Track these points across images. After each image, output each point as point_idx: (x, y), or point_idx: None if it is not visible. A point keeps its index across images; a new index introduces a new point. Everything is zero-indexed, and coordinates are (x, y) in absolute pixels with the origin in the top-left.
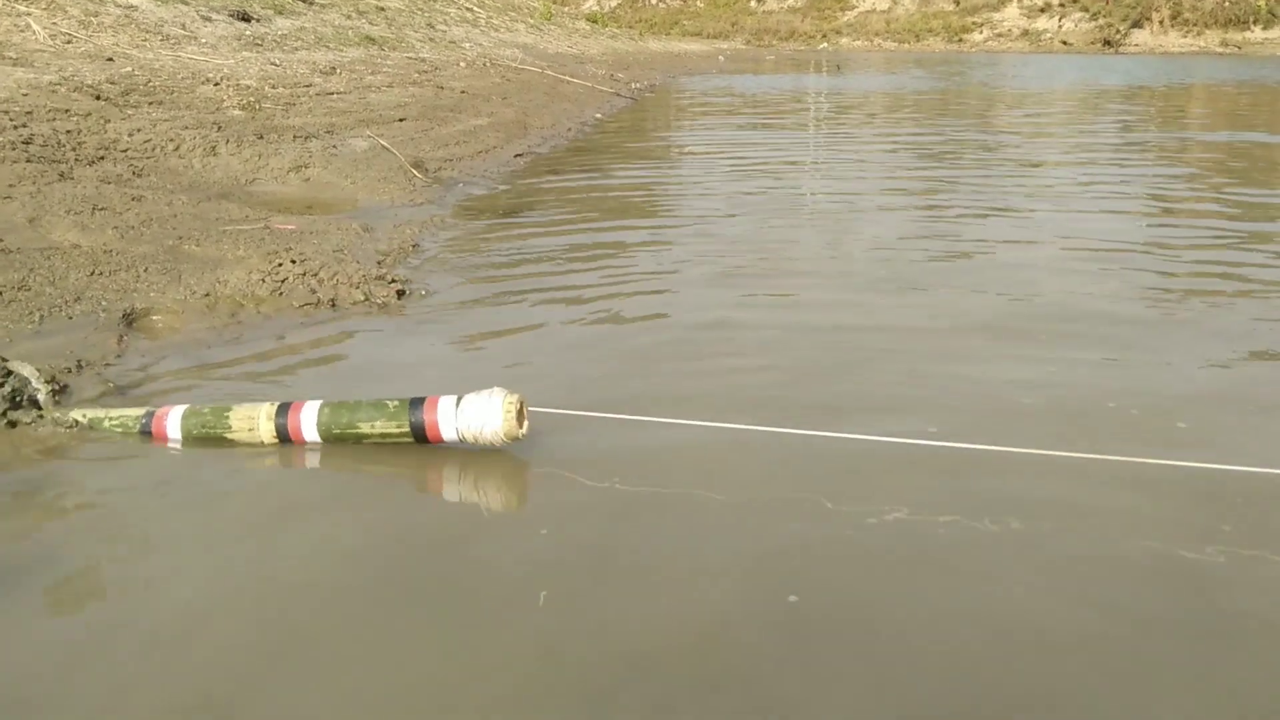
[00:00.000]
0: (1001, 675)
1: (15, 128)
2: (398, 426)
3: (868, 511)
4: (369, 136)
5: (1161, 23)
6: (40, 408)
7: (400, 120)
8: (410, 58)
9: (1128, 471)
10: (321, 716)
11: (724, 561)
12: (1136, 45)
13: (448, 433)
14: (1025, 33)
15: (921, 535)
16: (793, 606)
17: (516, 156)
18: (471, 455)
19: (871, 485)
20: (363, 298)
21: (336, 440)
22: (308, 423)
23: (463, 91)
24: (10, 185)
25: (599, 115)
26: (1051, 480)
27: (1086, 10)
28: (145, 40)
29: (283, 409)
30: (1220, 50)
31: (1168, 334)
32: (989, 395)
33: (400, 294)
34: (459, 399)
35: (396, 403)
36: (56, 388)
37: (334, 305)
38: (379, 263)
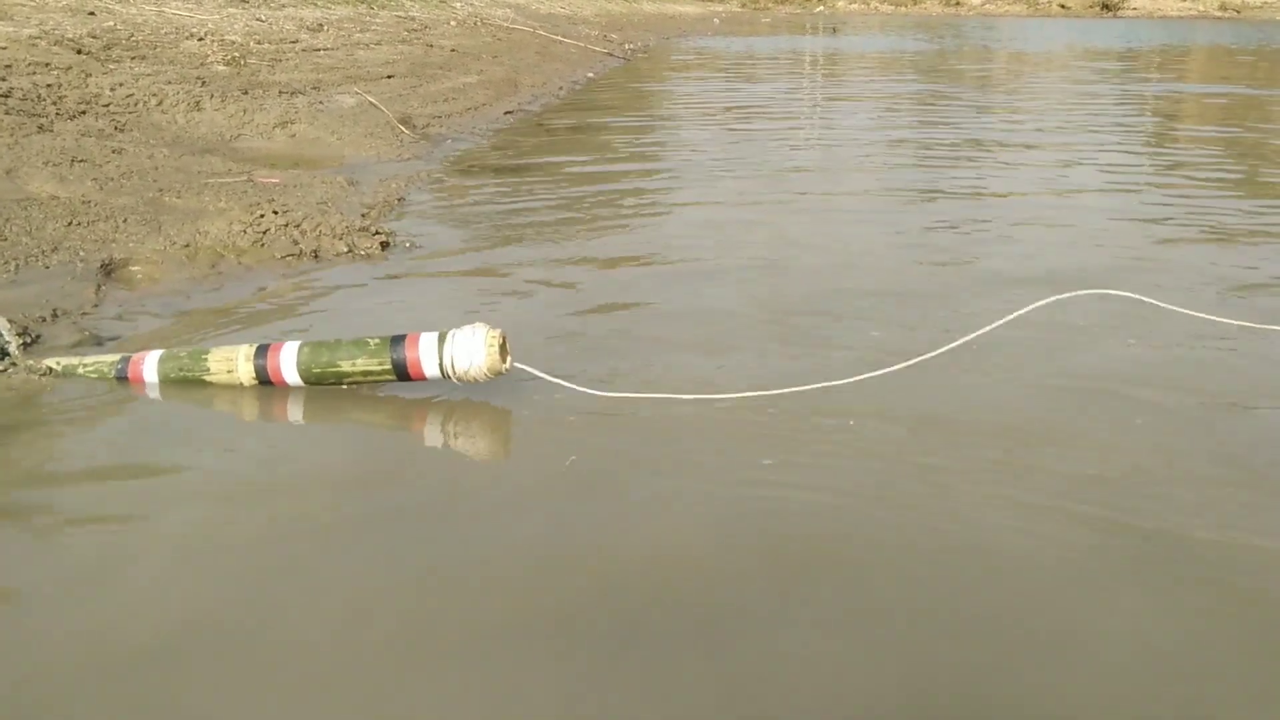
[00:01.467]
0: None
1: None
2: (379, 364)
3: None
4: (356, 93)
5: None
6: (11, 357)
7: (388, 77)
8: (400, 16)
9: None
10: (311, 635)
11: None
12: (1135, 9)
13: (430, 369)
14: None
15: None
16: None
17: (507, 114)
18: (455, 394)
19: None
20: (346, 249)
21: (317, 380)
22: (287, 363)
23: (453, 50)
24: None
25: (591, 75)
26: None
27: None
28: None
29: (261, 350)
30: (1219, 14)
31: None
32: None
33: (384, 245)
34: (441, 334)
35: (378, 340)
36: (29, 339)
37: (316, 256)
38: (363, 215)
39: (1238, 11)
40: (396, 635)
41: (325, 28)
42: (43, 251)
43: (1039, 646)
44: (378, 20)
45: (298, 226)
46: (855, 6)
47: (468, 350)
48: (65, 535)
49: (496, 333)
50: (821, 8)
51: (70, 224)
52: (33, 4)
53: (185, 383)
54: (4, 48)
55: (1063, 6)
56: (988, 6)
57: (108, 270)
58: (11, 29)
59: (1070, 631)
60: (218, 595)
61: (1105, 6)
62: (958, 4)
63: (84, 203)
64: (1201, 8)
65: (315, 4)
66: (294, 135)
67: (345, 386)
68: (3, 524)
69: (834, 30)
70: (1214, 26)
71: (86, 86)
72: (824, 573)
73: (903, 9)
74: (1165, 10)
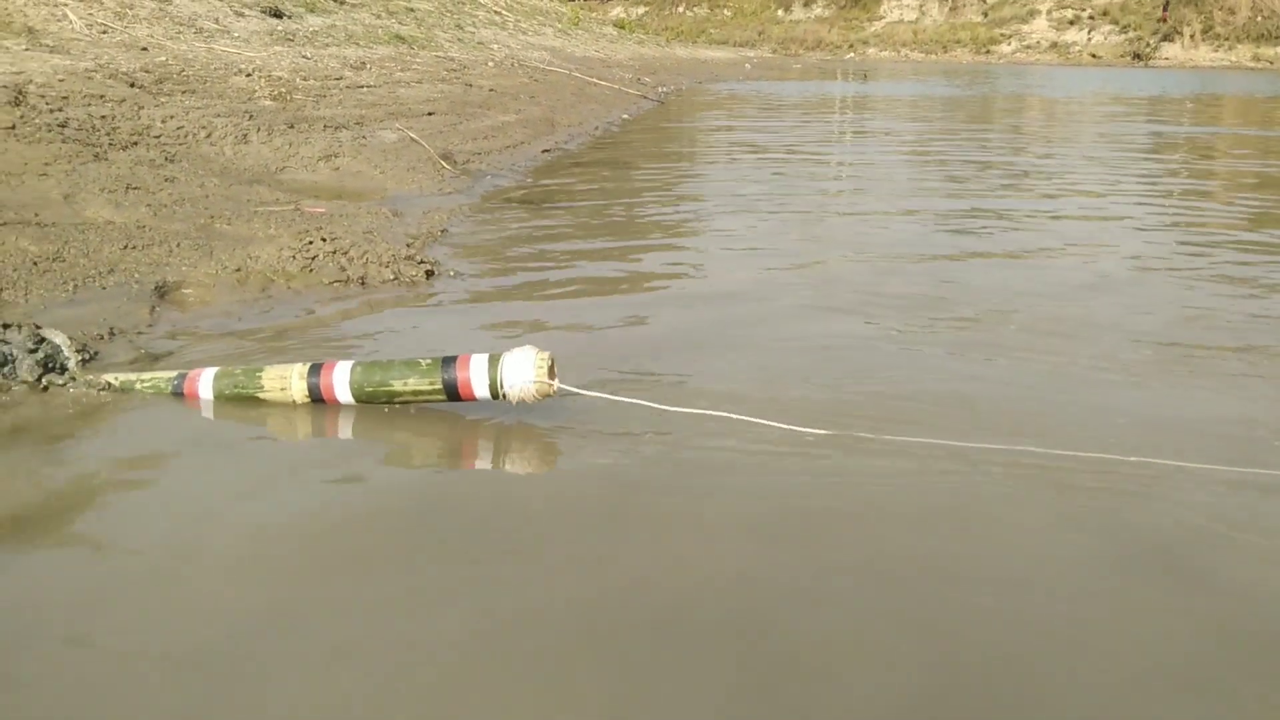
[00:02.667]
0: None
1: (51, 111)
2: (430, 384)
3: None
4: (398, 129)
5: (1192, 36)
6: (70, 372)
7: (429, 114)
8: (439, 56)
9: None
10: (355, 643)
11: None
12: (1166, 59)
13: (480, 389)
14: (1054, 45)
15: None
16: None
17: (544, 152)
18: (503, 415)
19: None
20: (392, 276)
21: (369, 399)
22: (340, 382)
23: (491, 89)
24: (46, 164)
25: (625, 116)
26: None
27: (1116, 23)
28: (179, 33)
29: (315, 369)
30: (1252, 65)
31: None
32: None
33: (429, 274)
34: (492, 356)
35: (429, 361)
36: (87, 355)
37: (363, 283)
38: (408, 244)
39: (1270, 63)
40: (460, 639)
41: (368, 66)
42: (100, 273)
43: None
44: (418, 60)
45: (345, 254)
46: (886, 53)
47: (517, 371)
48: (125, 536)
49: (545, 355)
50: (852, 54)
51: (125, 247)
52: (88, 39)
53: (239, 399)
54: (61, 80)
55: (1093, 55)
56: (1018, 55)
57: (161, 292)
58: (69, 62)
59: None
60: (284, 590)
61: (1136, 56)
62: (988, 52)
63: (138, 227)
64: (1234, 58)
65: (358, 43)
66: (338, 168)
67: (396, 406)
68: (76, 523)
69: (864, 76)
70: (1246, 77)
71: (139, 118)
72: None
73: (933, 56)
74: (1197, 61)
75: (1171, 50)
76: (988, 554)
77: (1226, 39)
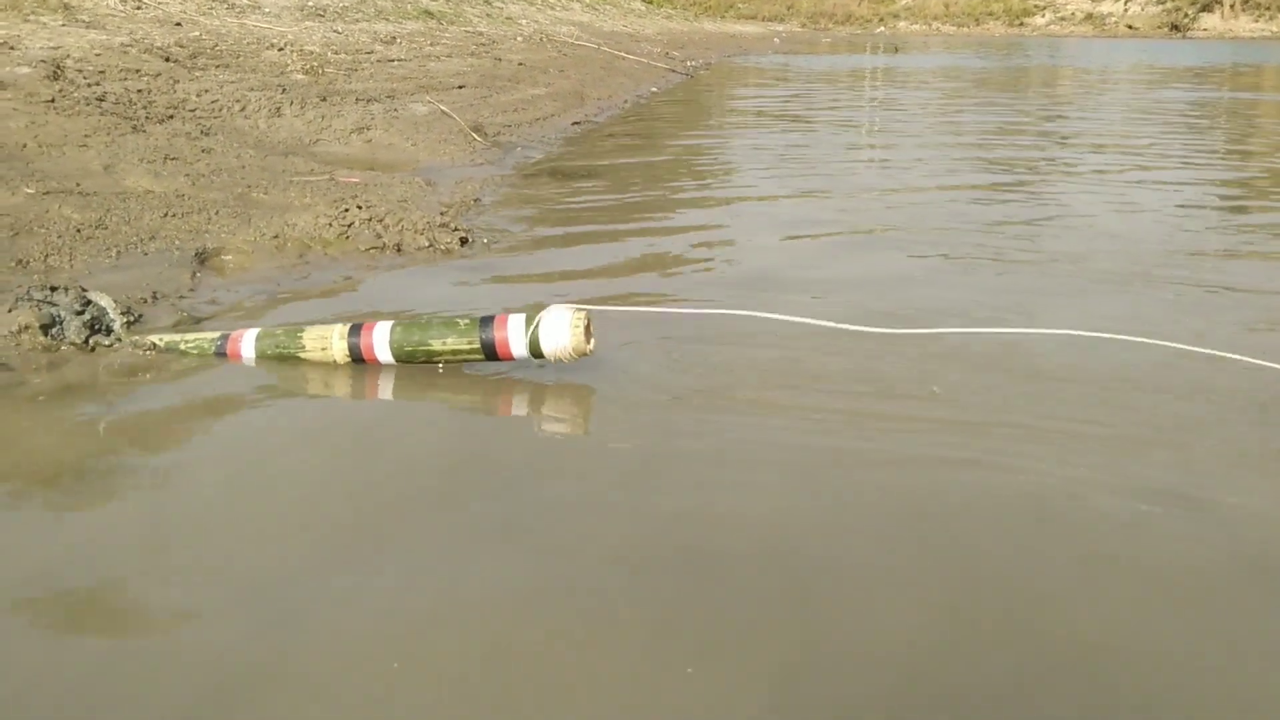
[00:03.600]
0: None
1: (89, 85)
2: (469, 343)
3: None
4: (429, 102)
5: (1232, 6)
6: (116, 333)
7: (459, 88)
8: (468, 31)
9: None
10: (395, 598)
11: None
12: (1205, 30)
13: (518, 349)
14: (1089, 16)
15: None
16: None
17: (574, 124)
18: (541, 374)
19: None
20: (427, 243)
21: (408, 359)
22: (380, 341)
23: (520, 63)
24: (86, 136)
25: (654, 89)
26: None
27: None
28: (211, 8)
29: (355, 329)
30: None
31: None
32: None
33: (464, 241)
34: (529, 316)
35: (467, 320)
36: (132, 318)
37: (399, 250)
38: (442, 213)
39: None
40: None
41: (398, 40)
42: (141, 240)
43: None
44: (447, 35)
45: (380, 221)
46: (916, 27)
47: (555, 331)
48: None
49: (582, 314)
50: (882, 28)
51: (166, 215)
52: (123, 14)
53: (281, 359)
54: (98, 54)
55: (1130, 27)
56: (1052, 27)
57: (202, 258)
58: (105, 37)
59: None
60: (312, 554)
61: (1174, 27)
62: (1021, 24)
63: (178, 196)
64: (1276, 28)
65: (388, 18)
66: (370, 140)
67: (437, 365)
68: (128, 476)
69: (895, 49)
70: None
71: (174, 92)
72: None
73: (965, 29)
74: (1237, 31)
75: (1210, 21)
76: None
77: (1267, 8)
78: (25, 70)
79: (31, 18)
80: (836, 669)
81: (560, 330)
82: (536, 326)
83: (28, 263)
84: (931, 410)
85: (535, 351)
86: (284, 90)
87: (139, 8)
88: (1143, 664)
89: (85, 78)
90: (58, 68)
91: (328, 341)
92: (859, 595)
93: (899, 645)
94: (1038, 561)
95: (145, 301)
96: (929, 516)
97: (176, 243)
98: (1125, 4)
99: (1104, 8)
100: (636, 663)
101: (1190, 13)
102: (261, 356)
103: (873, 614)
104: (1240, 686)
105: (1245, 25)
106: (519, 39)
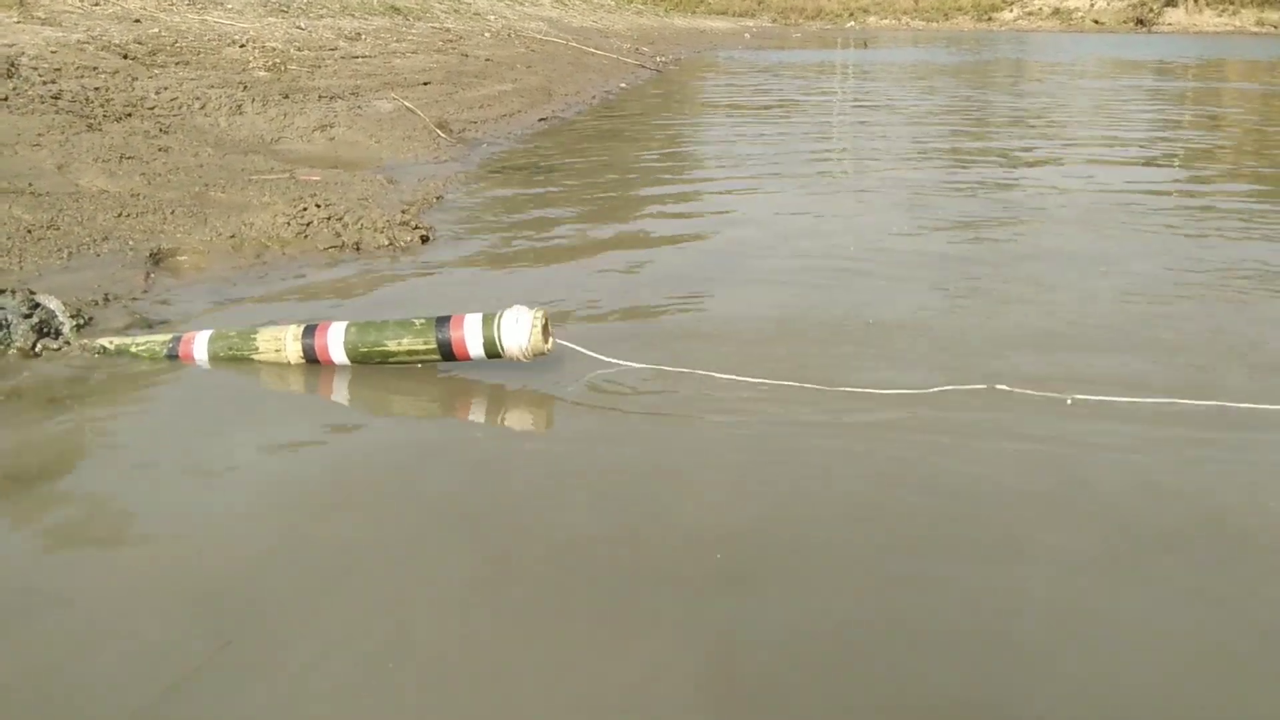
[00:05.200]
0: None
1: (44, 83)
2: (424, 344)
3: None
4: (394, 98)
5: (1196, 1)
6: (65, 336)
7: (425, 84)
8: (435, 27)
9: None
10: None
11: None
12: (1170, 24)
13: (475, 349)
14: (1056, 11)
15: None
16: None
17: (541, 120)
18: (497, 373)
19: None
20: (387, 242)
21: (363, 360)
22: (335, 343)
23: (487, 59)
24: (39, 135)
25: (623, 85)
26: None
27: None
28: (172, 4)
29: (309, 330)
30: (1256, 30)
31: None
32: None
33: (424, 239)
34: (486, 315)
35: (423, 320)
36: (82, 320)
37: (358, 248)
38: (403, 211)
39: (1275, 27)
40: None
41: (363, 36)
42: (94, 240)
43: None
44: (414, 31)
45: (340, 220)
46: (886, 22)
47: (513, 330)
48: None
49: (540, 313)
50: (852, 23)
51: (120, 215)
52: (80, 10)
53: (234, 361)
54: (54, 51)
55: (1096, 21)
56: (1020, 22)
57: (156, 259)
58: (60, 34)
59: None
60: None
61: (1140, 21)
62: (990, 19)
63: (132, 196)
64: (1238, 23)
65: (353, 14)
66: (333, 138)
67: (392, 365)
68: (84, 475)
69: (865, 44)
70: (1251, 42)
71: (133, 90)
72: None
73: (934, 24)
74: (1201, 26)
75: (1175, 15)
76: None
77: (1231, 3)
78: None
79: None
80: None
81: (519, 329)
82: (497, 325)
83: None
84: None
85: (492, 351)
86: (245, 88)
87: (97, 4)
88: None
89: (40, 75)
90: (11, 65)
91: (281, 343)
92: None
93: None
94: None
95: (96, 304)
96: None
97: (130, 243)
98: None
99: (1071, 3)
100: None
101: (1155, 7)
102: (214, 358)
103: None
104: None
105: (1209, 20)
106: (486, 35)
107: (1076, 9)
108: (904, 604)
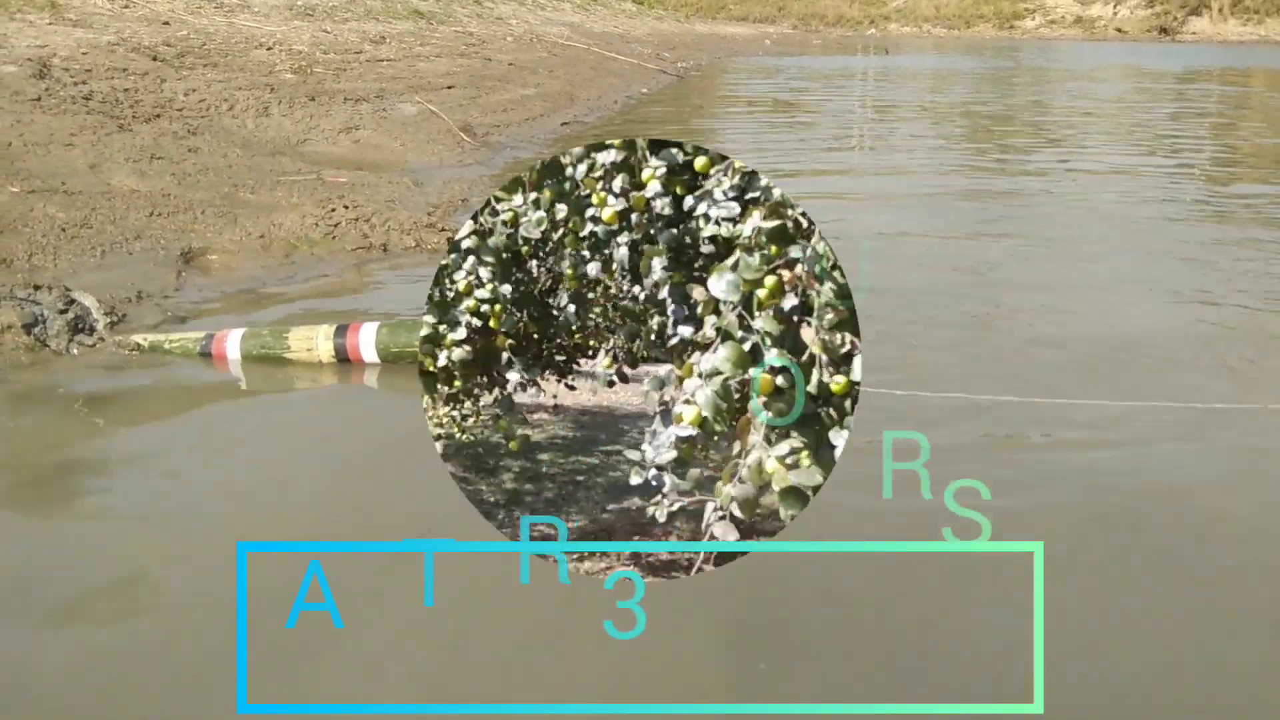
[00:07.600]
0: None
1: (75, 84)
2: None
3: None
4: (418, 102)
5: (1221, 10)
6: (99, 333)
7: (449, 88)
8: (458, 31)
9: None
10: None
11: None
12: (1194, 33)
13: None
14: (1079, 19)
15: None
16: None
17: (563, 125)
18: None
19: None
20: (414, 243)
21: (394, 359)
22: (366, 342)
23: (510, 64)
24: (72, 135)
25: (645, 90)
26: None
27: None
28: (200, 7)
29: (341, 329)
30: None
31: None
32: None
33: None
34: None
35: None
36: (116, 317)
37: (385, 249)
38: (429, 213)
39: None
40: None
41: (387, 40)
42: (126, 239)
43: None
44: (437, 35)
45: (367, 221)
46: (907, 29)
47: None
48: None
49: None
50: (873, 30)
51: (151, 215)
52: (110, 13)
53: (266, 359)
54: (85, 53)
55: (1119, 30)
56: (1042, 30)
57: (187, 257)
58: (92, 36)
59: None
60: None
61: (1163, 30)
62: (1012, 27)
63: (163, 196)
64: (1264, 32)
65: (377, 18)
66: (358, 140)
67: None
68: (110, 475)
69: (885, 51)
70: (1276, 51)
71: (161, 91)
72: None
73: (955, 31)
74: (1225, 35)
75: (1199, 24)
76: None
77: (1256, 11)
78: (11, 68)
79: (18, 16)
80: None
81: None
82: None
83: (11, 262)
84: None
85: None
86: (272, 90)
87: (126, 6)
88: None
89: (72, 76)
90: (44, 66)
91: (313, 342)
92: None
93: None
94: None
95: (129, 301)
96: None
97: (162, 242)
98: (1114, 7)
99: (1093, 11)
100: None
101: (1179, 16)
102: (247, 356)
103: None
104: None
105: (1234, 29)
106: (509, 39)
107: (1099, 17)
108: None
